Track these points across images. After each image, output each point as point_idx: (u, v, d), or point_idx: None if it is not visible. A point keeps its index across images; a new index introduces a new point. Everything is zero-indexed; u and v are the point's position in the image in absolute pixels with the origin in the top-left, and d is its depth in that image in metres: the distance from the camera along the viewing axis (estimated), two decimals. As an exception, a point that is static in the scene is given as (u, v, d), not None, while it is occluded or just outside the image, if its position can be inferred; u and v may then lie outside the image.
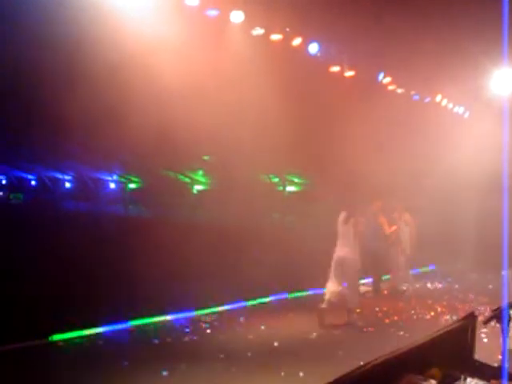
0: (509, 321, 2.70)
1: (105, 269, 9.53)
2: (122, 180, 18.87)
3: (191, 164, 14.79)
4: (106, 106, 9.21)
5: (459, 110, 15.76)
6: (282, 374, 6.13)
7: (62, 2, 7.42)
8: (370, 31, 9.60)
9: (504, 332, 2.65)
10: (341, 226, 8.70)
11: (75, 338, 7.12)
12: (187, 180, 16.87)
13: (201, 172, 16.74)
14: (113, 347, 6.96)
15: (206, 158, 14.41)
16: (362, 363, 2.44)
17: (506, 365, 2.80)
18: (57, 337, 6.99)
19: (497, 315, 2.69)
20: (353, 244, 8.58)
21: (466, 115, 15.91)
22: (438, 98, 14.74)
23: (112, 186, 20.39)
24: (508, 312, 2.69)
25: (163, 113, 9.61)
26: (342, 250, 8.61)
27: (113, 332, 7.54)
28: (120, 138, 10.50)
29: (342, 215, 8.74)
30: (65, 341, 7.00)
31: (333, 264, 8.66)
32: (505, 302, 2.67)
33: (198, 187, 17.82)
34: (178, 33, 8.81)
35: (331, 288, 8.57)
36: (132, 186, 19.14)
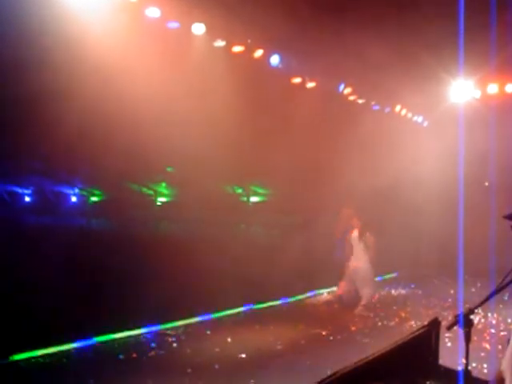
0: (470, 326, 2.76)
1: (66, 284, 9.30)
2: (84, 193, 18.56)
3: (154, 176, 14.65)
4: (66, 119, 9.05)
5: (418, 119, 16.15)
6: (250, 385, 6.11)
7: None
8: (331, 43, 9.75)
9: (460, 337, 2.72)
10: (354, 242, 10.49)
11: (37, 356, 6.92)
12: (150, 192, 16.71)
13: (164, 184, 16.60)
14: (77, 365, 6.80)
15: (169, 169, 14.30)
16: (329, 372, 2.46)
17: (468, 368, 2.86)
18: (17, 356, 6.78)
19: (459, 320, 2.74)
20: (363, 256, 10.41)
21: (425, 124, 16.31)
22: (398, 108, 15.07)
23: (73, 199, 20.04)
24: (469, 317, 2.75)
25: (124, 125, 9.50)
26: (355, 262, 10.43)
27: (77, 349, 7.36)
28: (81, 151, 10.33)
29: (355, 233, 10.48)
30: (26, 360, 6.79)
31: (348, 273, 10.55)
32: (461, 308, 2.74)
33: (161, 199, 17.66)
34: (139, 45, 8.76)
35: (345, 287, 10.58)
36: (94, 198, 18.84)
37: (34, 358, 6.87)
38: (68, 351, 7.24)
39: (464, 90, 13.64)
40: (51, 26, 7.65)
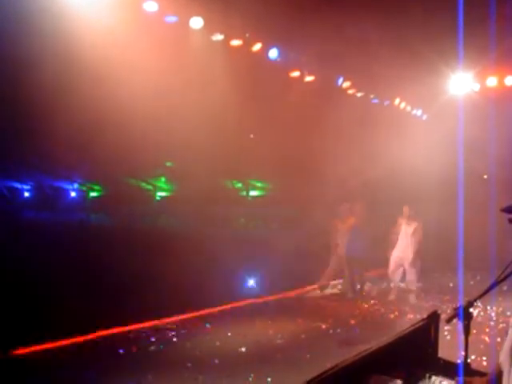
0: (470, 318, 2.76)
1: (66, 279, 9.32)
2: (83, 188, 18.55)
3: (153, 171, 14.66)
4: (65, 115, 9.04)
5: (417, 112, 16.14)
6: (250, 379, 6.12)
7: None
8: (330, 37, 9.73)
9: (460, 330, 2.73)
10: (400, 233, 10.69)
11: (38, 351, 6.93)
12: (149, 187, 16.71)
13: (163, 179, 16.60)
14: (77, 359, 6.81)
15: (168, 164, 14.30)
16: (329, 365, 2.46)
17: (468, 361, 2.86)
18: (18, 351, 6.79)
19: (459, 313, 2.75)
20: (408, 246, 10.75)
21: (424, 117, 16.30)
22: (397, 101, 15.06)
23: (73, 194, 20.08)
24: (468, 310, 2.75)
25: (123, 121, 9.49)
26: (400, 252, 10.76)
27: (77, 344, 7.38)
28: (80, 146, 10.34)
29: (402, 225, 10.70)
30: (27, 355, 6.80)
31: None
32: (460, 301, 2.74)
33: (160, 194, 17.65)
34: (136, 39, 8.74)
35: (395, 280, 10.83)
36: (93, 194, 18.83)
37: (34, 352, 6.89)
38: (68, 346, 7.25)
39: (463, 82, 13.61)
40: (49, 24, 7.64)
